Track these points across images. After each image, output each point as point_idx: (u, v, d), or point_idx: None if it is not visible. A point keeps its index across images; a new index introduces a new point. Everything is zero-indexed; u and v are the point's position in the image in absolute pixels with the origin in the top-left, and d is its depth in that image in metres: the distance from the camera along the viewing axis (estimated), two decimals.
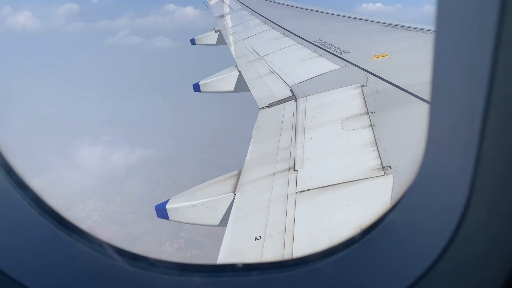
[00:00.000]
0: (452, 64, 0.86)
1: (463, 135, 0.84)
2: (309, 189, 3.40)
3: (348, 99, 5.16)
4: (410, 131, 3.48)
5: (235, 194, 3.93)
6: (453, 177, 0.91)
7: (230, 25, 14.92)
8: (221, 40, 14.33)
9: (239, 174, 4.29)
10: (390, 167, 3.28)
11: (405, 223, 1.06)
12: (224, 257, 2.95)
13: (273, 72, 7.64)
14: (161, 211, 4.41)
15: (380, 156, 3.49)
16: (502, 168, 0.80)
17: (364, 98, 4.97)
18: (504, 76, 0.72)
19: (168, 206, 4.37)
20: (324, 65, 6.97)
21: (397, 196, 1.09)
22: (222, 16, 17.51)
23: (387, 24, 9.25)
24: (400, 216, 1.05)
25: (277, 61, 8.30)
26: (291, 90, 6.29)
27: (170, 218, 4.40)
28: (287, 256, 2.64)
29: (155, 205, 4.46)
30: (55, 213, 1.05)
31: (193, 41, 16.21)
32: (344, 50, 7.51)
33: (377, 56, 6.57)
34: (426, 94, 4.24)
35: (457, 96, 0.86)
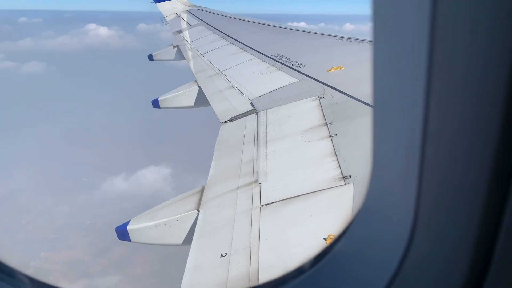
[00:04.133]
0: (389, 74, 0.89)
1: (404, 161, 0.87)
2: (273, 202, 3.41)
3: (307, 111, 5.28)
4: (367, 140, 3.59)
5: (198, 211, 3.86)
6: (398, 205, 0.94)
7: (188, 40, 14.89)
8: (180, 55, 14.26)
9: (202, 191, 4.22)
10: (350, 176, 3.37)
11: (353, 252, 1.07)
12: (189, 277, 2.87)
13: (233, 86, 7.67)
14: (122, 233, 4.24)
15: (340, 166, 3.58)
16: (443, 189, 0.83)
17: (322, 109, 5.10)
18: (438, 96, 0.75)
19: (129, 227, 4.21)
20: (283, 78, 7.11)
21: (345, 224, 1.11)
22: (180, 31, 17.45)
23: (341, 37, 9.61)
24: (347, 245, 1.07)
25: (237, 75, 8.36)
26: (251, 103, 6.34)
27: (132, 239, 4.23)
28: (253, 273, 2.61)
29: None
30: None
31: (151, 57, 16.00)
32: (301, 64, 7.70)
33: (332, 69, 6.79)
34: None
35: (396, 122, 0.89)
